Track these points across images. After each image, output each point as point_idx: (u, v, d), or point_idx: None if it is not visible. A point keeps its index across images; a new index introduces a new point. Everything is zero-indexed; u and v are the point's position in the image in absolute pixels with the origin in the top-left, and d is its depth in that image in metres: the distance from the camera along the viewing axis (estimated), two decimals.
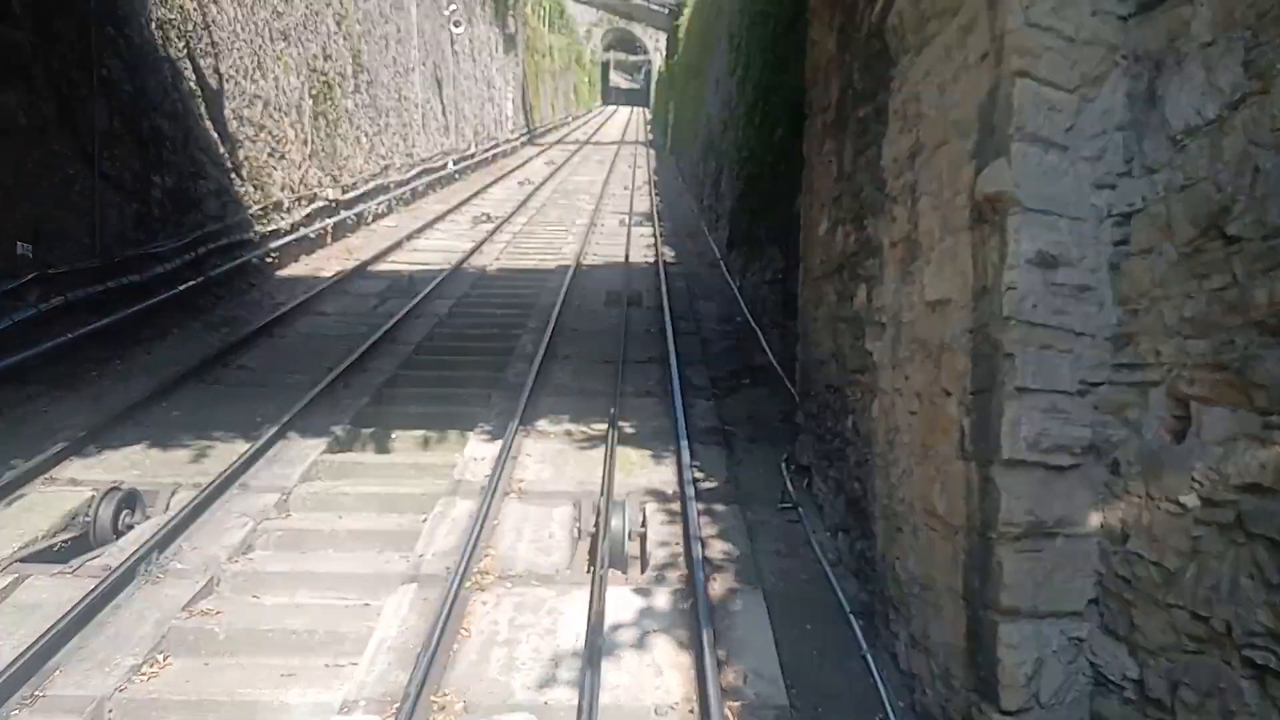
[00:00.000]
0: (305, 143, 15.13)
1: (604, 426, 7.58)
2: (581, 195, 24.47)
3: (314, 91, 15.62)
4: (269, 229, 13.41)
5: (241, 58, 12.92)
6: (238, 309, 11.56)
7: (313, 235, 15.18)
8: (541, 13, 53.46)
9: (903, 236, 4.78)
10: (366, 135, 18.52)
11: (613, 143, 45.35)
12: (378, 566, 5.57)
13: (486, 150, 31.28)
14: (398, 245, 15.89)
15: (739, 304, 12.86)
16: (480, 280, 13.83)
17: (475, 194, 23.35)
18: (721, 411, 8.38)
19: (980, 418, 3.70)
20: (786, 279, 10.61)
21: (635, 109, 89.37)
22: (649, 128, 61.07)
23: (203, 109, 11.78)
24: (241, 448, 6.94)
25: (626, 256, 15.75)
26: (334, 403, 8.13)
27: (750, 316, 12.04)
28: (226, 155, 12.31)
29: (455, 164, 26.10)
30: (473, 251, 15.55)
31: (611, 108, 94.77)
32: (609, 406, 8.01)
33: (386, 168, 19.84)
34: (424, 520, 6.01)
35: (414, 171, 21.88)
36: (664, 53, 60.50)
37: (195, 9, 11.74)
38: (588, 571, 5.44)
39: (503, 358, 9.85)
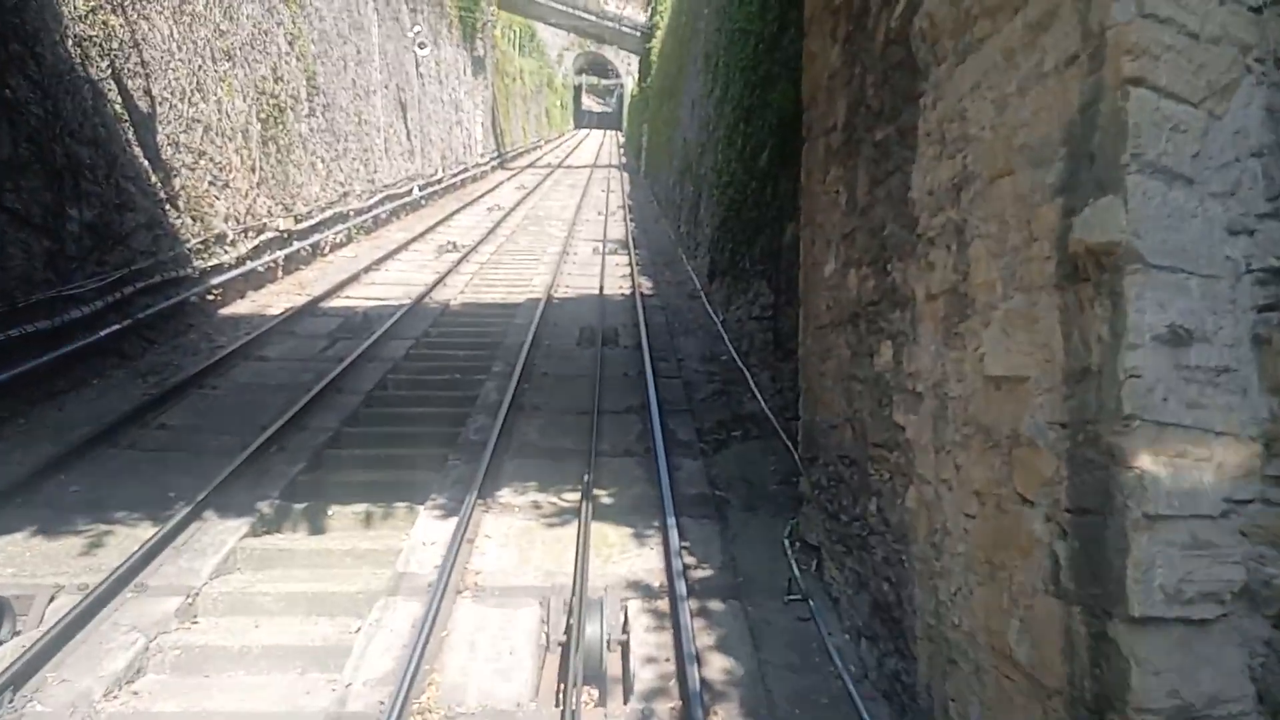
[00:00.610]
0: (253, 170, 14.05)
1: (577, 497, 6.55)
2: (553, 222, 23.51)
3: (263, 115, 14.56)
4: (210, 264, 12.29)
5: (178, 79, 11.85)
6: (171, 354, 10.43)
7: (261, 269, 14.07)
8: (512, 36, 52.75)
9: (945, 288, 3.81)
10: (323, 161, 17.46)
11: (585, 166, 44.56)
12: (295, 700, 4.48)
13: (455, 175, 30.28)
14: (355, 278, 14.80)
15: (723, 340, 11.90)
16: (442, 317, 12.77)
17: (442, 221, 22.31)
18: (711, 472, 7.38)
19: (1087, 548, 2.72)
20: (777, 316, 9.68)
21: (608, 132, 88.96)
22: (622, 151, 60.41)
23: (131, 134, 10.68)
24: (146, 533, 5.83)
25: (601, 288, 14.77)
26: (263, 471, 7.03)
27: (736, 355, 11.07)
28: (159, 184, 11.21)
29: (421, 190, 25.06)
30: (436, 284, 14.49)
31: (584, 131, 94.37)
32: (582, 471, 6.98)
33: (345, 195, 18.77)
34: (358, 630, 4.94)
35: (376, 198, 20.82)
36: (636, 76, 59.98)
37: (122, 25, 10.67)
38: (558, 704, 4.39)
39: (463, 409, 8.80)
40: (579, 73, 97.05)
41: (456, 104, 32.06)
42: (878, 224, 4.80)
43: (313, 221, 16.54)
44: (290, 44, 15.99)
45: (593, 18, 40.53)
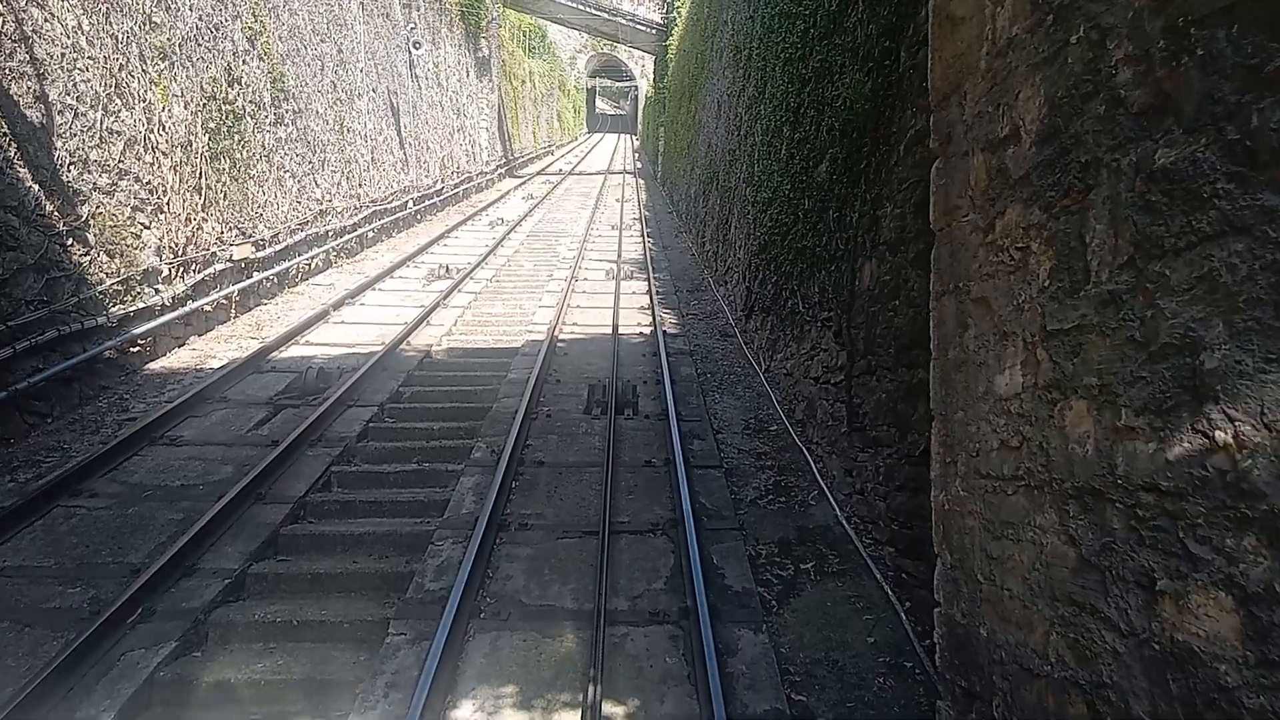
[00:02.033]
0: (198, 190, 11.72)
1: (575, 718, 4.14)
2: (562, 239, 21.10)
3: (213, 124, 12.24)
4: (133, 308, 9.96)
5: (88, 81, 9.53)
6: (63, 433, 8.09)
7: (209, 308, 11.74)
8: (521, 37, 50.51)
9: None
10: (294, 176, 15.14)
11: (598, 173, 42.23)
12: None
13: (456, 185, 27.95)
14: (323, 316, 12.43)
15: (769, 399, 9.47)
16: (419, 370, 10.37)
17: (437, 239, 19.96)
18: (782, 649, 4.92)
19: None
20: (852, 386, 7.22)
21: (622, 136, 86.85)
22: (637, 156, 58.06)
23: (13, 151, 8.36)
24: None
25: (615, 325, 12.33)
26: (105, 670, 4.64)
27: (790, 424, 8.63)
28: (57, 213, 8.88)
29: (417, 203, 22.74)
30: (418, 323, 12.10)
31: (598, 135, 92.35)
32: (586, 660, 4.56)
33: (324, 213, 16.45)
34: None
35: (361, 215, 18.50)
36: (651, 77, 57.66)
37: (2, 14, 8.36)
38: None
39: (426, 523, 6.41)
40: (592, 75, 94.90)
41: (459, 108, 29.75)
42: (1163, 332, 2.37)
43: (280, 246, 14.21)
44: (250, 41, 13.67)
45: (605, 15, 38.15)
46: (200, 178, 11.81)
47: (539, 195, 30.43)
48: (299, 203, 15.33)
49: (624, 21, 38.69)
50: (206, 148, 12.01)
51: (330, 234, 16.64)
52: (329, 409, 8.57)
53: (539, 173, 41.47)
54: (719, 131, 17.60)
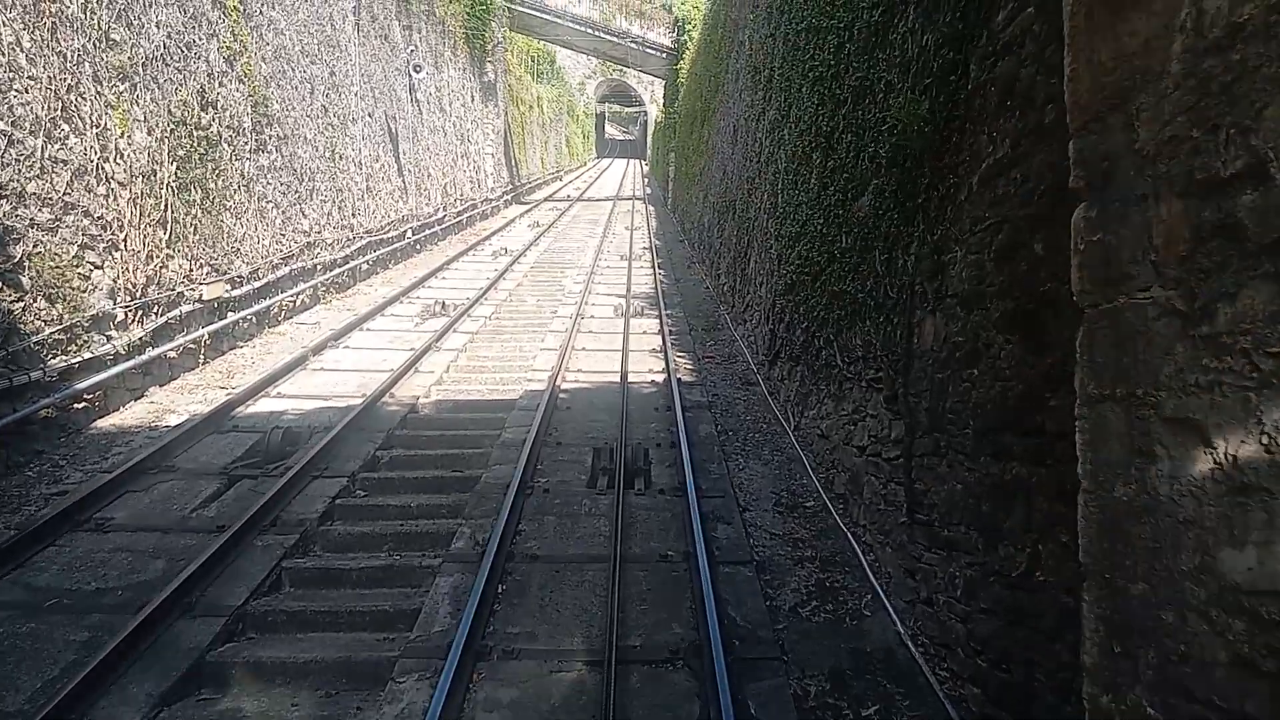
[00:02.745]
0: (162, 224, 10.59)
1: None
2: (569, 270, 19.94)
3: (183, 152, 11.13)
4: (79, 359, 8.80)
5: (26, 104, 8.41)
6: None
7: (173, 354, 10.58)
8: (528, 62, 49.78)
9: None
10: (277, 206, 14.02)
11: (607, 199, 41.24)
12: None
13: (460, 213, 26.90)
14: (301, 362, 11.24)
15: (801, 464, 8.22)
16: (401, 429, 9.15)
17: (436, 271, 18.82)
18: None
19: None
20: (913, 466, 5.97)
21: (631, 161, 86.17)
22: (646, 181, 57.14)
23: None
24: None
25: (624, 372, 11.10)
26: None
27: (828, 498, 7.37)
28: None
29: (416, 233, 21.65)
30: (406, 370, 10.90)
31: (607, 160, 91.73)
32: None
33: (312, 245, 15.32)
34: None
35: (355, 247, 17.38)
36: (661, 102, 56.90)
37: None
38: None
39: (388, 646, 5.16)
40: (601, 101, 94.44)
41: (462, 134, 28.75)
42: None
43: (260, 283, 13.07)
44: (229, 62, 12.59)
45: (614, 39, 37.26)
46: (166, 210, 10.68)
47: (546, 223, 29.35)
48: (283, 235, 14.20)
49: (633, 45, 37.79)
50: (174, 177, 10.88)
51: (319, 267, 15.51)
52: (292, 480, 7.35)
53: (547, 199, 40.48)
54: (735, 158, 16.45)
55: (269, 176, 13.76)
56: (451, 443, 8.80)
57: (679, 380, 10.61)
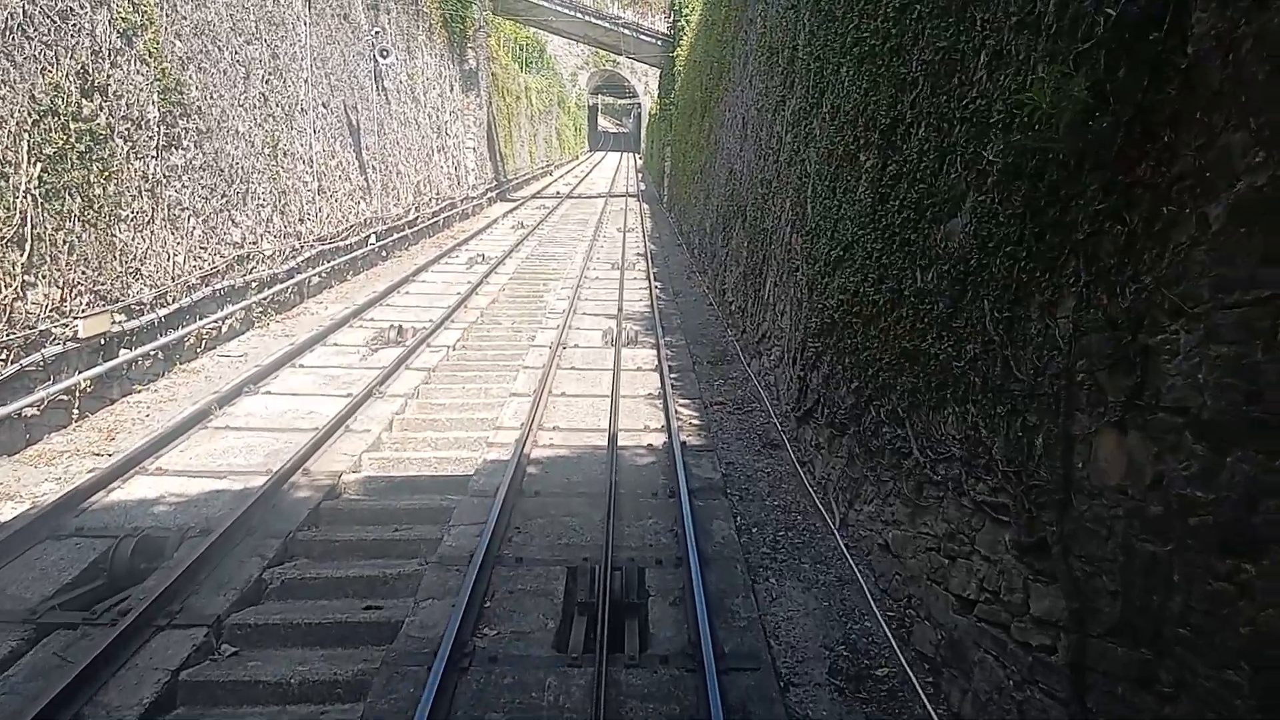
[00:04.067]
0: (18, 242, 8.20)
1: None
2: (552, 282, 17.56)
3: (51, 150, 8.72)
4: None
5: None
6: None
7: (32, 411, 8.20)
8: (516, 50, 47.28)
9: None
10: (196, 214, 11.61)
11: (599, 195, 38.87)
12: None
13: (436, 213, 24.49)
14: (202, 417, 8.85)
15: (857, 589, 5.89)
16: (309, 529, 6.78)
17: (400, 284, 16.41)
18: None
19: None
20: (1088, 680, 3.64)
21: (625, 154, 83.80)
22: (640, 176, 54.76)
23: None
24: None
25: (613, 430, 8.70)
26: None
27: (904, 660, 5.03)
28: None
29: (381, 238, 19.23)
30: (335, 428, 8.53)
31: (600, 154, 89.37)
32: None
33: (244, 259, 12.92)
34: None
35: (303, 257, 14.98)
36: (655, 93, 54.47)
37: None
38: None
39: None
40: (594, 92, 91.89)
41: (439, 126, 26.29)
42: None
43: (167, 310, 10.67)
44: (126, 38, 10.16)
45: (606, 24, 34.78)
46: (25, 225, 8.28)
47: (531, 223, 26.95)
48: (204, 248, 11.79)
49: (627, 32, 35.34)
50: (37, 182, 8.47)
51: (254, 285, 13.11)
52: (124, 634, 4.99)
53: (534, 195, 38.08)
54: (744, 155, 14.07)
55: (184, 178, 11.34)
56: (373, 552, 6.43)
57: (683, 444, 8.26)
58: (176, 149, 11.20)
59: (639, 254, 21.45)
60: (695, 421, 9.17)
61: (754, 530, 6.81)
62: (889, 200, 6.50)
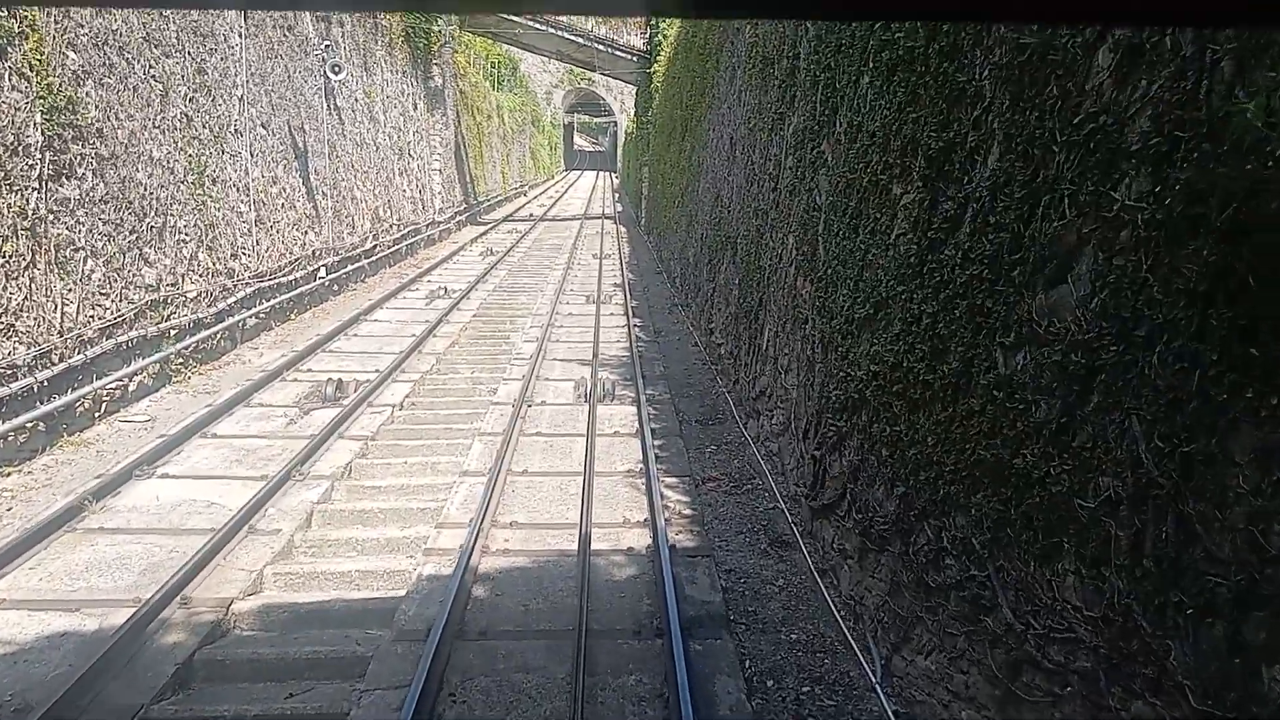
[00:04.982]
0: None
1: None
2: (520, 320, 15.89)
3: None
4: None
5: None
6: None
7: None
8: (487, 68, 45.77)
9: None
10: (95, 255, 9.87)
11: (574, 218, 37.34)
12: None
13: (397, 240, 22.80)
14: (73, 515, 7.08)
15: None
16: (174, 694, 5.07)
17: (348, 324, 14.69)
18: None
19: None
20: None
21: (601, 173, 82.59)
22: (617, 196, 53.35)
23: None
24: None
25: (585, 532, 6.97)
26: None
27: None
28: None
29: (332, 270, 17.50)
30: (237, 526, 6.80)
31: (575, 173, 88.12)
32: None
33: (159, 304, 11.17)
34: None
35: (236, 297, 13.23)
36: (631, 111, 53.22)
37: None
38: None
39: None
40: (569, 110, 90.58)
41: (401, 148, 24.62)
42: None
43: (54, 370, 8.92)
44: None
45: (580, 40, 33.32)
46: None
47: (501, 249, 25.29)
48: (105, 294, 10.04)
49: (601, 48, 33.88)
50: None
51: (173, 333, 11.35)
52: None
53: (506, 218, 36.47)
54: (734, 179, 12.50)
55: (79, 213, 9.60)
56: None
57: (672, 547, 6.59)
58: (68, 179, 9.46)
59: (616, 284, 19.83)
60: (686, 510, 7.51)
61: (769, 684, 5.15)
62: (942, 249, 4.90)
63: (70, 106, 9.54)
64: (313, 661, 5.31)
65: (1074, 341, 3.51)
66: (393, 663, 5.14)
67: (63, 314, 9.24)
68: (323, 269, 17.03)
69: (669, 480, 8.13)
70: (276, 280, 14.85)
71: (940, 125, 5.08)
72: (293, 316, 15.29)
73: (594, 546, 6.65)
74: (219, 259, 12.93)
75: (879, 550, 5.56)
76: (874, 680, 5.12)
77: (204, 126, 12.78)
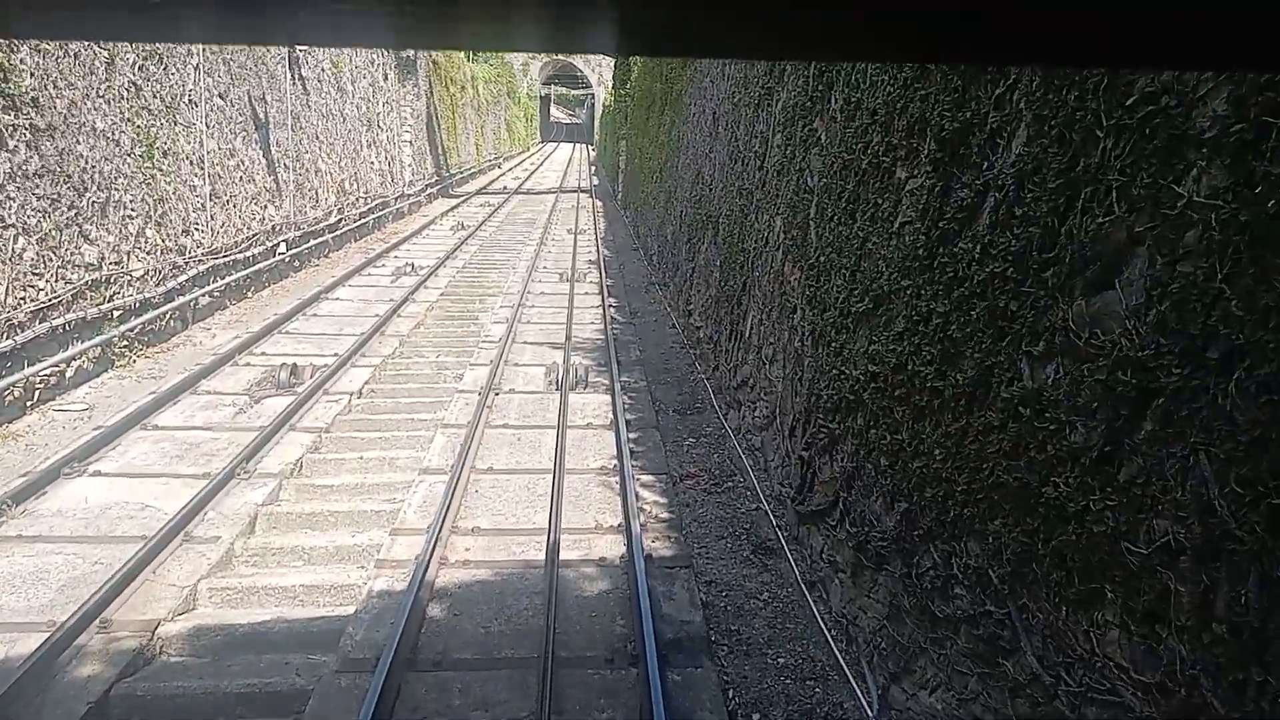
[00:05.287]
0: None
1: None
2: (490, 299, 15.26)
3: None
4: None
5: None
6: None
7: None
8: None
9: None
10: (27, 233, 9.14)
11: (549, 191, 36.55)
12: None
13: (364, 214, 22.01)
14: None
15: None
16: None
17: (307, 303, 13.99)
18: None
19: None
20: None
21: (577, 145, 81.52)
22: (593, 169, 52.49)
23: None
24: None
25: (554, 540, 6.41)
26: None
27: None
28: None
29: (294, 245, 16.74)
30: (171, 534, 6.20)
31: (551, 145, 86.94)
32: None
33: (101, 283, 10.45)
34: None
35: (188, 275, 12.50)
36: (609, 84, 52.29)
37: None
38: None
39: None
40: (546, 82, 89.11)
41: (370, 119, 23.74)
42: None
43: None
44: None
45: None
46: None
47: (473, 224, 24.55)
48: (39, 274, 9.32)
49: None
50: None
51: (115, 315, 10.64)
52: None
53: (479, 191, 35.63)
54: (716, 157, 11.90)
55: (9, 188, 8.85)
56: None
57: (648, 557, 6.08)
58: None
59: (591, 261, 19.21)
60: (663, 514, 6.98)
61: (762, 711, 4.65)
62: (956, 241, 4.37)
63: (0, 73, 8.77)
64: (246, 696, 4.74)
65: (1123, 358, 2.99)
66: (335, 699, 4.59)
67: None
68: (283, 244, 16.28)
69: (644, 478, 7.60)
70: (232, 257, 14.11)
71: (955, 104, 4.54)
72: (250, 295, 14.57)
73: (563, 556, 6.12)
74: (169, 235, 12.18)
75: (876, 568, 5.06)
76: (870, 714, 4.65)
77: (154, 96, 11.99)
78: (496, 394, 9.79)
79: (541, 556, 6.15)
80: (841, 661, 5.07)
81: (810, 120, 7.30)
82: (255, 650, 5.22)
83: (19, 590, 5.60)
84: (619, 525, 6.66)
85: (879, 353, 5.24)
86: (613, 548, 6.35)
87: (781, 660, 5.18)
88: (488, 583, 5.84)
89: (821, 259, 6.56)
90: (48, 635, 4.95)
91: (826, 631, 5.36)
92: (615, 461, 7.88)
